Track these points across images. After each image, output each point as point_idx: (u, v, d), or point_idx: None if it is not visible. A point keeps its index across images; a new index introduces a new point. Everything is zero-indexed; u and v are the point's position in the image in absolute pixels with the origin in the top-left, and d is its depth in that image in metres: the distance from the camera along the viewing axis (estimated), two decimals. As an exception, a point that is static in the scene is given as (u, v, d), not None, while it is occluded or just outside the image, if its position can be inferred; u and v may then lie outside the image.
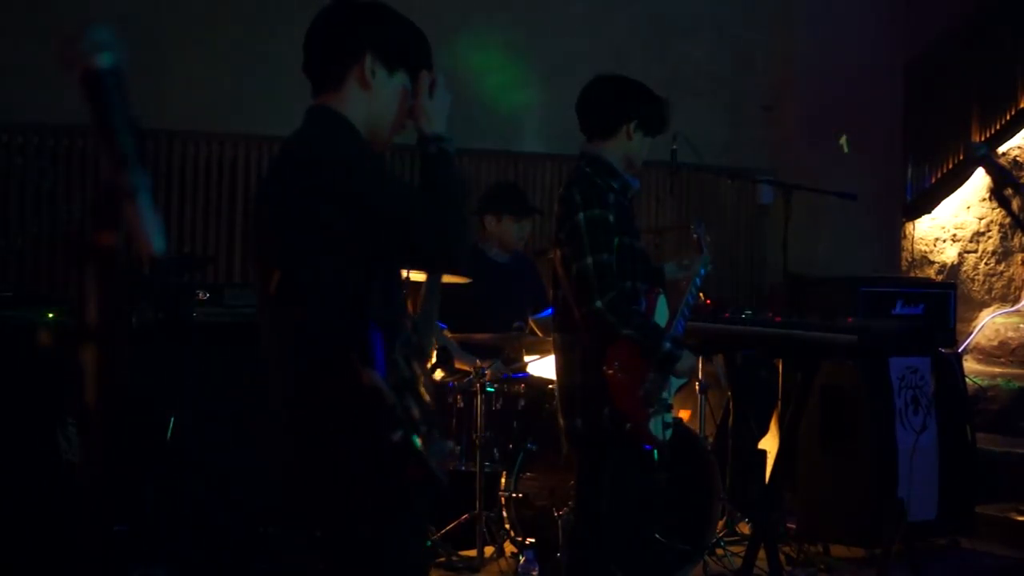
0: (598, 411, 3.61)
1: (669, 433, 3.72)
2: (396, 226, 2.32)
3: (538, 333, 5.08)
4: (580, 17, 6.54)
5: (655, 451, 3.72)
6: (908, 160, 8.06)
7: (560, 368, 3.74)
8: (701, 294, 4.11)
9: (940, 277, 8.15)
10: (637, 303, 3.63)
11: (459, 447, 4.86)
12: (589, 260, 3.54)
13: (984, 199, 8.08)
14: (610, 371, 3.55)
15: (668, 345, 3.61)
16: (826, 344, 4.30)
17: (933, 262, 8.29)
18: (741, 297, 6.87)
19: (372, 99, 2.43)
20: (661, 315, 3.71)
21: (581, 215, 3.58)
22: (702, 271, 3.91)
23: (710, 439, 5.42)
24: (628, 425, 3.60)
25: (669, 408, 3.73)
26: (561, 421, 3.73)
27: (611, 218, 3.60)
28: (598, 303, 3.52)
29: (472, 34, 6.19)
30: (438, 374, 4.96)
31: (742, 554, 4.61)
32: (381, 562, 2.32)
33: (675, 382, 3.72)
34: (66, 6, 4.99)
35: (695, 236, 4.03)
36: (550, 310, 3.96)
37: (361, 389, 2.17)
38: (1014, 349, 7.68)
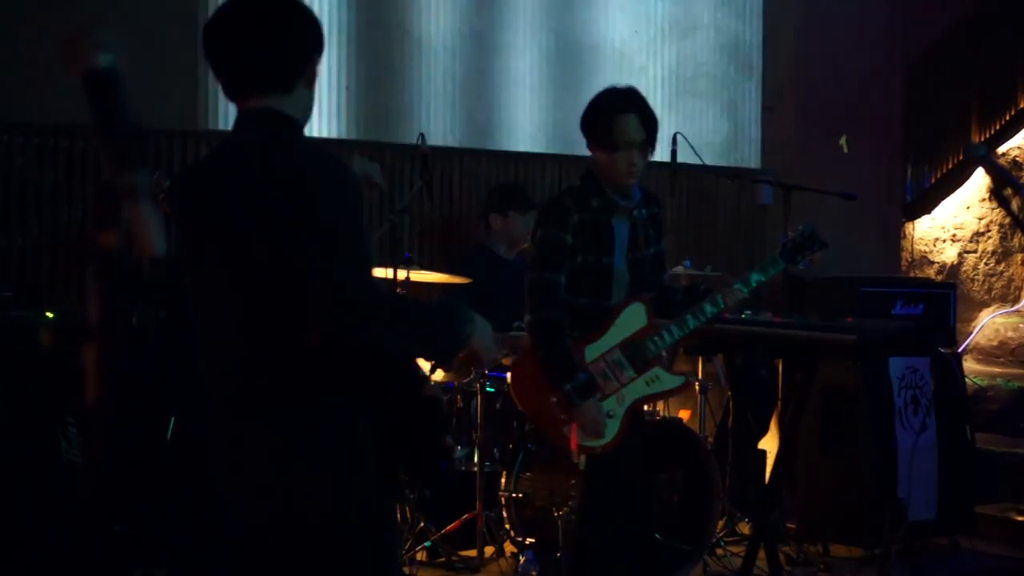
0: None
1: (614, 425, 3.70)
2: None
3: None
4: (580, 17, 6.54)
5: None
6: (908, 160, 8.06)
7: None
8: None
9: (940, 277, 8.14)
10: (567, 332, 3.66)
11: (459, 447, 4.86)
12: (534, 275, 3.67)
13: (984, 199, 8.08)
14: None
15: (582, 377, 3.63)
16: (826, 344, 4.30)
17: (933, 262, 8.29)
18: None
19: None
20: (628, 325, 3.72)
21: (539, 232, 3.73)
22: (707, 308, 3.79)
23: (710, 439, 5.42)
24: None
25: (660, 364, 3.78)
26: None
27: (568, 239, 3.66)
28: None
29: (471, 34, 6.19)
30: (439, 374, 4.95)
31: (742, 554, 4.61)
32: None
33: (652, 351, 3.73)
34: (66, 6, 4.98)
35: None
36: None
37: None
38: (1014, 349, 7.68)
